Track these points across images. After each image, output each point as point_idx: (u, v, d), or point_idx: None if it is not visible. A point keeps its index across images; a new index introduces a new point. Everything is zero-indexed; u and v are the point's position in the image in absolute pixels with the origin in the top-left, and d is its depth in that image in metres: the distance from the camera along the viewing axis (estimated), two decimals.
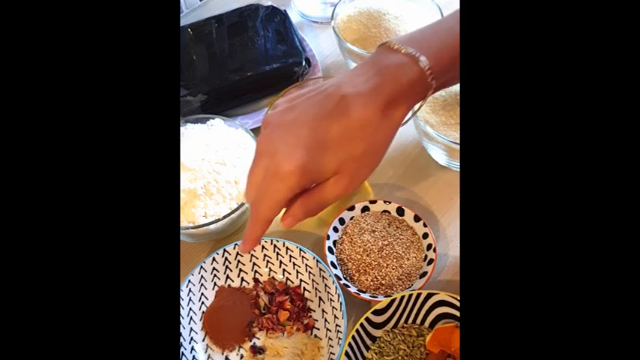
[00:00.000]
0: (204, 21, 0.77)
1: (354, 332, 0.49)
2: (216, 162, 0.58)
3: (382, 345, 0.51)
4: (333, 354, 0.49)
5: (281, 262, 0.57)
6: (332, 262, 0.56)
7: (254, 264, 0.58)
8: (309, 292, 0.56)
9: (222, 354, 0.54)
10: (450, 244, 0.60)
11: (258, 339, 0.54)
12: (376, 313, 0.50)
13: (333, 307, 0.52)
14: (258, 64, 0.71)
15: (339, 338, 0.50)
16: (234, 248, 0.57)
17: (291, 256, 0.56)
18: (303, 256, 0.55)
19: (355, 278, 0.55)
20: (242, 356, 0.54)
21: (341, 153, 0.36)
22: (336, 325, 0.51)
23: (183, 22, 0.80)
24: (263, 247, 0.57)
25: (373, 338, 0.51)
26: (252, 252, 0.57)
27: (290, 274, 0.57)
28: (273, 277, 0.58)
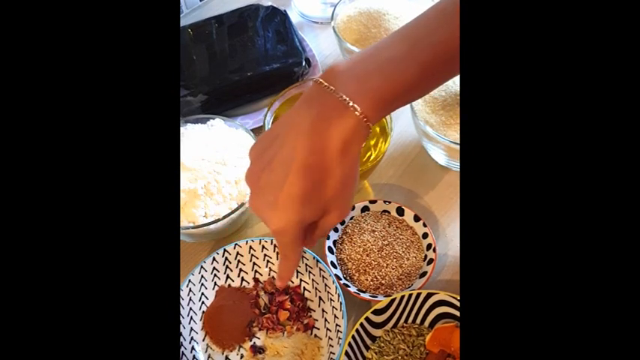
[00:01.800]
0: (205, 21, 0.77)
1: (354, 332, 0.49)
2: (216, 162, 0.58)
3: (382, 345, 0.51)
4: (333, 354, 0.49)
5: None
6: (332, 262, 0.56)
7: (254, 264, 0.58)
8: (309, 291, 0.56)
9: (223, 354, 0.54)
10: (449, 244, 0.60)
11: (259, 339, 0.54)
12: (376, 312, 0.51)
13: (333, 307, 0.52)
14: (258, 65, 0.71)
15: (339, 338, 0.50)
16: (234, 248, 0.57)
17: None
18: (303, 256, 0.55)
19: (355, 278, 0.55)
20: (242, 356, 0.54)
21: (317, 201, 0.39)
22: (336, 325, 0.51)
23: (183, 22, 0.80)
24: (263, 247, 0.57)
25: (373, 338, 0.51)
26: (252, 252, 0.58)
27: None
28: (273, 277, 0.58)
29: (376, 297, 0.53)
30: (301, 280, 0.57)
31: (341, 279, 0.54)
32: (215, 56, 0.72)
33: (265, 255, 0.58)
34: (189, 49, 0.73)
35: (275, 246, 0.57)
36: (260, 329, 0.55)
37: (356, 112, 0.38)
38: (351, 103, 0.38)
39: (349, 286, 0.54)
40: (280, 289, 0.56)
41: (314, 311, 0.55)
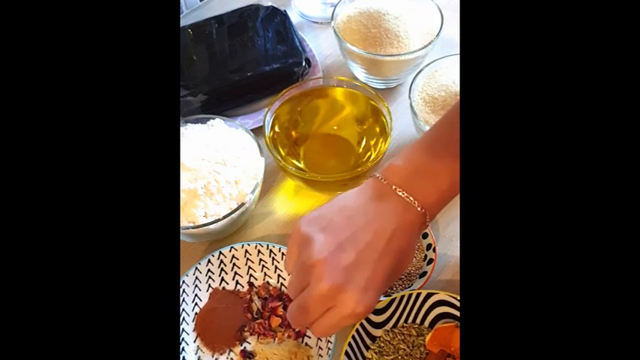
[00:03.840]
0: (205, 21, 0.77)
1: (354, 332, 0.49)
2: (216, 162, 0.58)
3: (382, 344, 0.51)
4: None
5: (276, 267, 0.57)
6: None
7: (249, 267, 0.58)
8: None
9: (213, 356, 0.53)
10: (449, 244, 0.60)
11: (249, 343, 0.54)
12: (376, 312, 0.50)
13: None
14: (259, 65, 0.71)
15: (329, 348, 0.49)
16: (230, 251, 0.57)
17: None
18: None
19: None
20: None
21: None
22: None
23: (183, 22, 0.80)
24: (259, 251, 0.57)
25: (373, 338, 0.51)
26: (249, 255, 0.57)
27: (285, 279, 0.57)
28: (267, 282, 0.58)
29: None
30: None
31: None
32: (215, 56, 0.72)
33: (261, 259, 0.57)
34: (189, 49, 0.73)
35: (270, 251, 0.57)
36: (251, 334, 0.54)
37: (418, 210, 0.42)
38: (419, 208, 0.42)
39: None
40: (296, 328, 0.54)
41: None
